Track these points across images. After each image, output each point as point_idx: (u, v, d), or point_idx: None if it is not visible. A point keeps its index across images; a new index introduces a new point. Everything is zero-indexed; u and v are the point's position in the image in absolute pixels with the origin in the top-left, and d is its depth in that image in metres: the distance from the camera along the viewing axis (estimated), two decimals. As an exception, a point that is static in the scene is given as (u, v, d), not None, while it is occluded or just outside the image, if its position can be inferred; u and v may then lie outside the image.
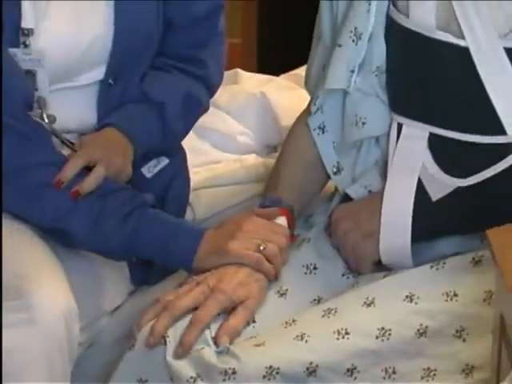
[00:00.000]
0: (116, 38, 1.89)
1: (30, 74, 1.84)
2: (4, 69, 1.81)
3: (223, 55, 2.10)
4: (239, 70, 2.44)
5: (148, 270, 1.91)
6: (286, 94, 2.32)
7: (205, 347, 1.65)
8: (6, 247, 1.74)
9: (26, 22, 1.83)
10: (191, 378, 1.65)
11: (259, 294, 1.73)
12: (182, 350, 1.65)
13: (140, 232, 1.80)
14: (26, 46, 1.83)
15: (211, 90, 2.08)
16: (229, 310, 1.70)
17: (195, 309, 1.69)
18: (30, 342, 1.63)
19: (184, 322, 1.67)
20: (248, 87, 2.37)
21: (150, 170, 1.98)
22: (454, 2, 1.71)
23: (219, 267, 1.75)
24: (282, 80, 2.43)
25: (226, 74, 2.16)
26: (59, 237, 1.83)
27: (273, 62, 2.80)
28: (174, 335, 1.66)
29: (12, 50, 1.82)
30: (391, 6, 1.80)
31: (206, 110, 2.08)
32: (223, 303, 1.69)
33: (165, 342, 1.66)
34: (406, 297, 1.68)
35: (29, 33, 1.83)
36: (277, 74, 2.50)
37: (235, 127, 2.27)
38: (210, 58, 2.05)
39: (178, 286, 1.76)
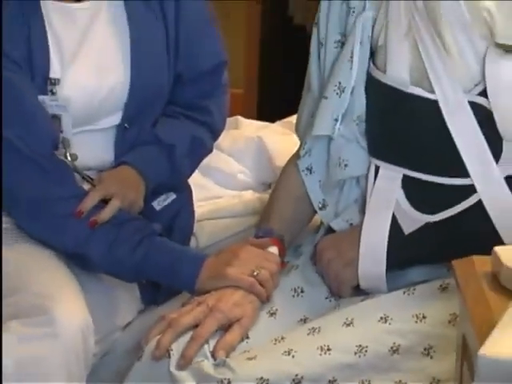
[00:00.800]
0: (132, 89, 1.91)
1: (56, 118, 1.85)
2: (33, 113, 1.83)
3: (226, 104, 2.11)
4: (239, 117, 2.44)
5: (156, 291, 1.92)
6: (280, 138, 2.32)
7: (204, 360, 1.66)
8: (31, 269, 1.79)
9: (54, 73, 1.85)
10: None
11: (253, 313, 1.74)
12: (184, 362, 1.66)
13: (149, 258, 1.81)
14: (53, 93, 1.84)
15: (215, 135, 2.09)
16: (225, 327, 1.71)
17: (196, 326, 1.70)
18: (52, 352, 1.64)
19: (186, 338, 1.68)
20: (247, 132, 2.38)
21: (159, 203, 1.98)
22: (425, 61, 1.72)
23: (218, 289, 1.75)
24: (276, 126, 2.43)
25: (228, 120, 2.17)
26: (78, 261, 1.84)
27: (271, 110, 2.81)
28: (177, 349, 1.67)
29: (41, 97, 1.83)
30: (371, 64, 1.81)
31: (210, 151, 2.09)
32: (220, 321, 1.70)
33: (169, 354, 1.67)
34: (381, 318, 1.69)
35: (55, 82, 1.85)
36: (273, 120, 2.51)
37: (235, 167, 2.28)
38: (214, 106, 2.06)
39: (181, 305, 1.76)
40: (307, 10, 3.08)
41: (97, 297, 1.83)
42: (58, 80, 1.85)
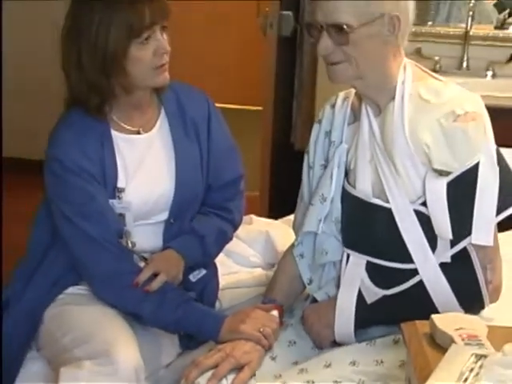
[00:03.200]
0: (175, 195, 1.90)
1: (121, 216, 1.85)
2: (105, 212, 1.82)
3: (243, 206, 2.07)
4: (253, 216, 2.41)
5: (190, 340, 1.90)
6: (281, 231, 2.29)
7: (223, 391, 1.67)
8: (100, 323, 1.78)
9: (120, 184, 1.85)
10: None
11: (259, 359, 1.74)
12: None
13: (186, 316, 1.80)
14: (119, 198, 1.84)
15: (235, 228, 2.06)
16: (239, 368, 1.71)
17: (216, 366, 1.70)
18: None
19: (208, 374, 1.69)
20: (258, 227, 2.35)
21: (194, 276, 1.96)
22: (383, 180, 1.72)
23: (234, 340, 1.75)
24: (279, 223, 2.40)
25: (244, 217, 2.16)
26: (134, 317, 1.84)
27: (278, 209, 2.78)
28: (202, 382, 1.68)
29: (111, 201, 1.84)
30: (345, 181, 1.80)
31: (230, 239, 2.07)
32: (234, 365, 1.71)
33: (196, 386, 1.67)
34: (351, 362, 1.69)
35: (121, 190, 1.85)
36: (277, 218, 2.47)
37: (249, 251, 2.26)
38: (235, 208, 2.04)
39: (207, 351, 1.76)
40: (305, 139, 3.14)
41: (147, 343, 1.83)
42: (123, 189, 1.85)
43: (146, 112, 1.92)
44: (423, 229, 1.70)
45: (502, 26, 3.40)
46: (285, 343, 1.81)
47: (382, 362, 1.67)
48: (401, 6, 1.71)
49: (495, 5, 3.45)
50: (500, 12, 3.44)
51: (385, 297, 1.75)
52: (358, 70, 1.71)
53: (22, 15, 4.40)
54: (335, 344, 1.79)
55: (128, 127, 1.88)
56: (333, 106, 1.87)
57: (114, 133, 1.86)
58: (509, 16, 3.42)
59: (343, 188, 1.80)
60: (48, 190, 1.86)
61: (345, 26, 1.66)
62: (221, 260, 2.10)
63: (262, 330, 1.77)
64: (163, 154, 1.91)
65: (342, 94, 1.88)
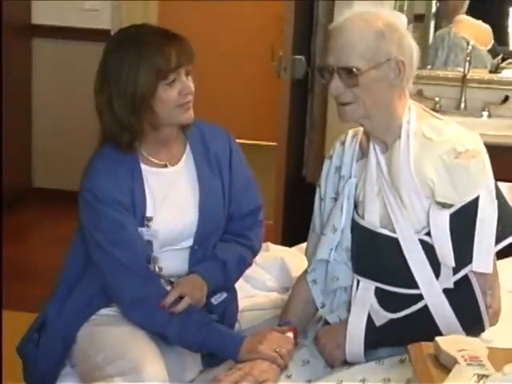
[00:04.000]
0: (199, 224, 1.89)
1: (149, 243, 1.84)
2: (135, 239, 1.79)
3: (262, 234, 2.04)
4: (269, 243, 2.37)
5: (212, 358, 1.87)
6: (295, 258, 2.24)
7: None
8: (129, 342, 1.76)
9: (149, 213, 1.83)
10: None
11: (275, 377, 1.73)
12: None
13: (208, 336, 1.78)
14: (148, 226, 1.83)
15: (254, 255, 2.03)
16: None
17: None
18: None
19: None
20: (273, 253, 2.31)
21: (215, 299, 1.92)
22: (390, 212, 1.71)
23: (252, 360, 1.74)
24: (294, 250, 2.35)
25: (262, 245, 2.10)
26: (161, 336, 1.82)
27: (291, 237, 2.78)
28: None
29: (140, 229, 1.82)
30: (354, 213, 1.79)
31: (250, 265, 2.04)
32: (253, 382, 1.69)
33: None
34: (360, 380, 1.67)
35: (150, 219, 1.83)
36: (291, 246, 2.42)
37: (265, 276, 2.23)
38: (254, 236, 2.01)
39: (228, 369, 1.75)
40: (316, 172, 3.13)
41: (172, 361, 1.81)
42: (151, 218, 1.83)
43: (173, 147, 1.91)
44: (428, 257, 1.69)
45: (495, 70, 3.45)
46: (299, 362, 1.80)
47: (389, 380, 1.65)
48: (406, 51, 1.72)
49: (489, 51, 3.50)
50: (494, 57, 3.50)
51: (392, 320, 1.74)
52: (366, 110, 1.72)
53: (62, 59, 4.49)
54: (346, 363, 1.77)
55: (156, 161, 1.88)
56: (342, 143, 1.87)
57: (143, 166, 1.86)
58: (502, 61, 3.47)
59: (353, 219, 1.80)
60: (82, 218, 1.85)
61: (354, 69, 1.68)
62: (240, 285, 2.07)
63: (278, 350, 1.75)
64: (188, 186, 1.90)
65: (351, 132, 1.88)
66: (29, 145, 4.60)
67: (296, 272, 2.11)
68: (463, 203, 1.67)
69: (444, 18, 3.59)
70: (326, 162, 1.89)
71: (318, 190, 1.91)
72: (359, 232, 1.78)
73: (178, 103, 1.80)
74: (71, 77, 4.40)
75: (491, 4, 3.55)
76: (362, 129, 1.83)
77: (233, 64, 5.88)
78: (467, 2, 3.49)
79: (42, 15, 4.43)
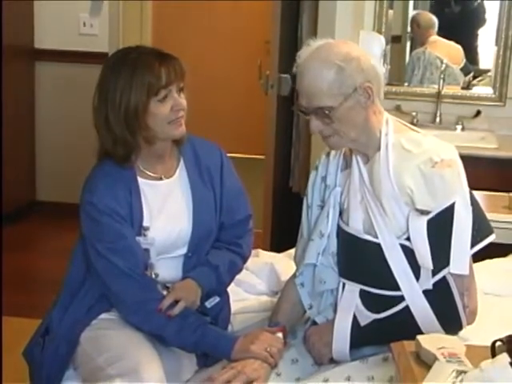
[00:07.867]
0: (193, 232, 1.88)
1: (146, 251, 1.83)
2: (133, 247, 1.79)
3: (252, 242, 2.04)
4: (260, 250, 2.39)
5: (206, 358, 1.86)
6: (284, 263, 2.25)
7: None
8: (128, 345, 1.75)
9: (145, 223, 1.83)
10: None
11: (266, 375, 1.73)
12: None
13: (203, 338, 1.78)
14: (144, 235, 1.82)
15: (244, 261, 2.02)
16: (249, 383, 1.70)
17: (229, 382, 1.69)
18: None
19: None
20: (263, 259, 2.31)
21: (209, 303, 1.92)
22: (372, 219, 1.71)
23: (244, 359, 1.74)
24: (282, 256, 2.35)
25: (252, 251, 2.10)
26: (158, 338, 1.81)
27: (279, 244, 2.78)
28: None
29: (137, 238, 1.81)
30: (340, 219, 1.79)
31: (241, 271, 2.03)
32: (245, 380, 1.69)
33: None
34: (346, 378, 1.66)
35: (146, 228, 1.82)
36: (280, 251, 2.41)
37: (256, 280, 2.23)
38: (244, 243, 2.00)
39: (221, 368, 1.75)
40: (302, 183, 3.13)
41: (169, 361, 1.80)
42: (148, 227, 1.83)
43: (167, 161, 1.91)
44: (408, 260, 1.69)
45: (468, 86, 3.50)
46: (288, 361, 1.79)
47: (373, 378, 1.64)
48: (369, 73, 1.69)
49: (462, 69, 3.55)
50: (466, 75, 3.54)
51: (376, 320, 1.73)
52: (348, 137, 1.72)
53: (63, 81, 4.51)
54: (333, 362, 1.77)
55: (152, 174, 1.88)
56: (328, 155, 1.87)
57: (139, 179, 1.85)
58: (473, 78, 3.52)
59: (338, 225, 1.79)
60: (83, 229, 1.84)
61: (326, 111, 1.67)
62: (232, 289, 2.07)
63: (268, 349, 1.75)
64: (182, 198, 1.90)
65: (335, 145, 1.88)
66: (33, 162, 4.63)
67: (285, 276, 2.10)
68: (440, 209, 1.67)
69: (418, 39, 3.62)
70: (313, 173, 1.89)
71: (305, 199, 1.90)
72: (344, 237, 1.78)
73: (170, 119, 1.80)
74: (72, 97, 4.43)
75: (462, 26, 3.60)
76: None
77: (224, 83, 6.00)
78: (436, 25, 3.53)
79: (44, 40, 4.45)
